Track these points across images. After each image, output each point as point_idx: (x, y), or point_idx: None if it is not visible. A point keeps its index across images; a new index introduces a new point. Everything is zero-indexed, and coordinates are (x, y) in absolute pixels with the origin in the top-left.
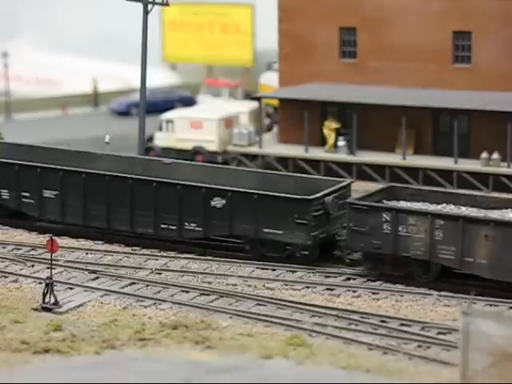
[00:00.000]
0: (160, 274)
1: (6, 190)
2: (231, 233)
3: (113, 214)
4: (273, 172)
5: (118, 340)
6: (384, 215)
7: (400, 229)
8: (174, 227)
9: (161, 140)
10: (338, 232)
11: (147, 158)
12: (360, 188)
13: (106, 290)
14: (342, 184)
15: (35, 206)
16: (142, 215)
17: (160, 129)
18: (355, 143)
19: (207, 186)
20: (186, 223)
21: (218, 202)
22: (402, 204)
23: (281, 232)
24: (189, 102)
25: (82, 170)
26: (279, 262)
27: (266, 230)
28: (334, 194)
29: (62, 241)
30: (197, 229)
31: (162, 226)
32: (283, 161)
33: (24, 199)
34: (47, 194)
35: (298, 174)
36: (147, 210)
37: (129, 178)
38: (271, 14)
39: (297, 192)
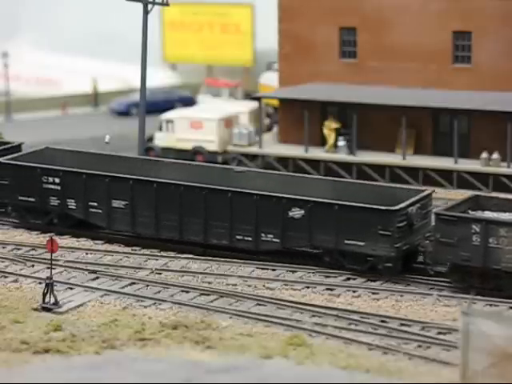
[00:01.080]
0: (160, 273)
1: (72, 200)
2: (310, 244)
3: (185, 224)
4: (348, 180)
5: (117, 340)
6: (473, 226)
7: (490, 240)
8: (250, 238)
9: (161, 140)
10: (421, 243)
11: (218, 166)
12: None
13: (106, 290)
14: (424, 194)
15: (103, 217)
16: (216, 226)
17: (160, 129)
18: (355, 143)
19: (285, 196)
20: (263, 234)
21: (296, 213)
22: (489, 214)
23: (363, 243)
24: (189, 102)
25: (154, 179)
26: (360, 272)
27: (347, 242)
28: (418, 204)
29: (62, 241)
30: (274, 240)
31: (238, 237)
32: (283, 161)
33: (92, 209)
34: (116, 203)
35: (375, 183)
36: (222, 220)
37: (203, 187)
38: (271, 14)
39: (374, 201)
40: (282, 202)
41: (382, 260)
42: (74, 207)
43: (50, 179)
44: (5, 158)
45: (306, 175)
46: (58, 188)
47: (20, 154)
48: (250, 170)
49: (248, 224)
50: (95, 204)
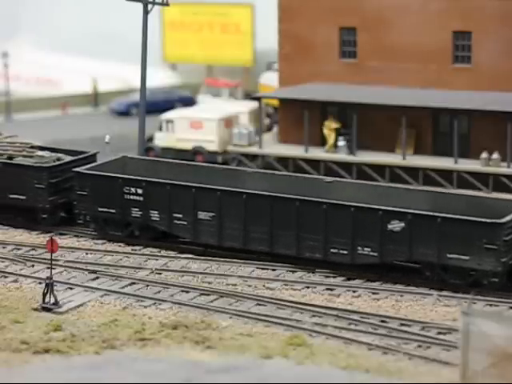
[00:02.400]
0: (160, 273)
1: (155, 211)
2: (410, 258)
3: (276, 237)
4: (445, 191)
5: (118, 340)
6: None
7: None
8: (346, 252)
9: (161, 140)
10: None
11: (309, 176)
12: None
13: (106, 290)
14: None
15: (188, 229)
16: (309, 239)
17: (160, 129)
18: (355, 143)
19: (384, 208)
20: (360, 248)
21: (395, 226)
22: None
23: (467, 258)
24: (189, 102)
25: (243, 190)
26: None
27: (449, 256)
28: None
29: (62, 241)
30: (371, 254)
31: (332, 250)
32: (283, 161)
33: (176, 221)
34: (202, 215)
35: (470, 193)
36: (315, 233)
37: (295, 199)
38: (271, 14)
39: (470, 213)
40: (381, 214)
41: (487, 275)
42: (157, 219)
43: (132, 190)
44: (83, 167)
45: (400, 185)
46: (141, 199)
47: (98, 163)
48: (340, 180)
49: (344, 237)
50: (180, 216)
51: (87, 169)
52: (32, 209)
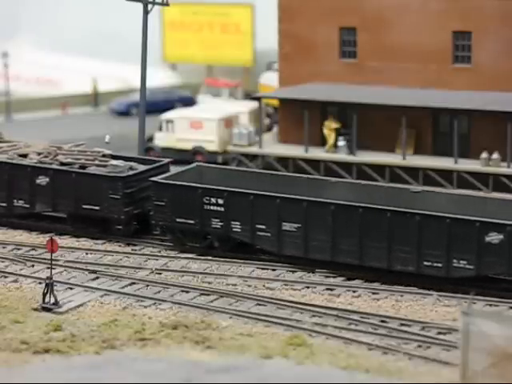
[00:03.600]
0: (160, 274)
1: (237, 222)
2: (509, 271)
3: (366, 249)
4: None
5: (118, 340)
6: None
7: None
8: (440, 265)
9: (161, 140)
10: None
11: (391, 186)
12: None
13: (106, 290)
14: None
15: (272, 240)
16: (401, 251)
17: (160, 129)
18: (355, 143)
19: (482, 219)
20: (455, 260)
21: (494, 238)
22: None
23: None
24: (189, 102)
25: (331, 200)
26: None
27: None
28: None
29: (62, 241)
30: (468, 267)
31: (425, 263)
32: (283, 161)
33: (259, 232)
34: (287, 226)
35: None
36: (408, 245)
37: (386, 210)
38: (271, 14)
39: None
40: (478, 225)
41: None
42: (238, 230)
43: (213, 200)
44: (160, 177)
45: (497, 196)
46: (222, 209)
47: (174, 172)
48: (428, 190)
49: (438, 249)
50: (263, 227)
51: (164, 178)
52: (106, 219)
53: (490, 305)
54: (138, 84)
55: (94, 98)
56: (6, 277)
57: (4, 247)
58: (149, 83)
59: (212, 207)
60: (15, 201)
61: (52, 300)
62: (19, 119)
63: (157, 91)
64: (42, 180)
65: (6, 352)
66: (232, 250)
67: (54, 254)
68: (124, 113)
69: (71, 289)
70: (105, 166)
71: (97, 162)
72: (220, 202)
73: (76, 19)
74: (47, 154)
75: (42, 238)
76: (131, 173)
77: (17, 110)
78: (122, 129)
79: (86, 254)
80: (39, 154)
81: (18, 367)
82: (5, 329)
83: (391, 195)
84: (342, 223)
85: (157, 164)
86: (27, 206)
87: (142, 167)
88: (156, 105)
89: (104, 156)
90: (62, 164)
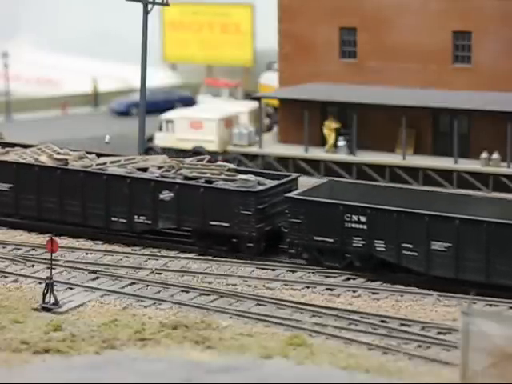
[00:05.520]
0: (160, 273)
1: (381, 241)
2: None
3: None
4: None
5: (118, 340)
6: None
7: None
8: None
9: (161, 140)
10: None
11: None
12: None
13: (106, 290)
14: None
15: (420, 260)
16: None
17: (160, 129)
18: (355, 143)
19: None
20: None
21: None
22: None
23: None
24: (189, 102)
25: (485, 219)
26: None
27: None
28: None
29: (62, 241)
30: None
31: None
32: (283, 161)
33: (405, 251)
34: (436, 246)
35: None
36: None
37: None
38: (271, 14)
39: None
40: None
41: None
42: (382, 249)
43: (354, 217)
44: (295, 193)
45: None
46: (364, 227)
47: (308, 188)
48: None
49: None
50: (410, 246)
51: (300, 194)
52: (235, 236)
53: (490, 305)
54: (138, 84)
55: (94, 98)
56: (6, 277)
57: (4, 247)
58: (149, 83)
59: (353, 225)
60: (136, 217)
61: (52, 300)
62: (19, 119)
63: (157, 91)
64: (166, 195)
65: (5, 352)
66: (374, 269)
67: (54, 254)
68: (124, 113)
69: (71, 289)
70: (233, 181)
71: (224, 177)
72: (362, 219)
73: (76, 19)
74: (169, 167)
75: (42, 238)
76: (263, 187)
77: (17, 109)
78: (122, 129)
79: (86, 254)
80: (160, 167)
81: (17, 367)
82: (5, 329)
83: None
84: (497, 243)
85: (286, 178)
86: (149, 222)
87: (270, 182)
88: (156, 105)
89: (229, 170)
90: (187, 178)
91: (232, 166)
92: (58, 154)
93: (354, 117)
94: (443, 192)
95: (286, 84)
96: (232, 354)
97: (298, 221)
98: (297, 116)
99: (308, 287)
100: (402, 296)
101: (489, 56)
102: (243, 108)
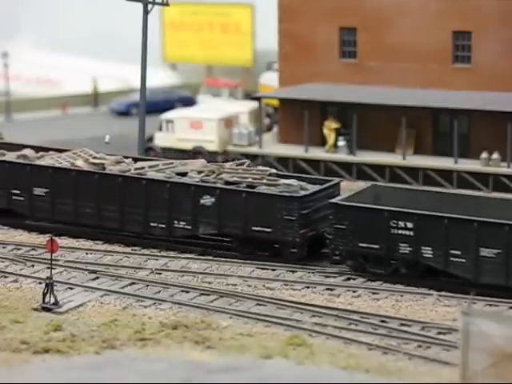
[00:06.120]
0: (160, 273)
1: (428, 248)
2: None
3: None
4: None
5: (118, 340)
6: None
7: None
8: None
9: (161, 140)
10: None
11: None
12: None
13: (106, 290)
14: None
15: (469, 267)
16: None
17: (160, 129)
18: (355, 143)
19: None
20: None
21: None
22: None
23: None
24: (189, 102)
25: None
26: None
27: None
28: None
29: (62, 241)
30: None
31: None
32: (283, 161)
33: (453, 258)
34: (485, 252)
35: None
36: None
37: None
38: (271, 14)
39: None
40: None
41: None
42: (430, 256)
43: (401, 224)
44: (339, 198)
45: None
46: (411, 234)
47: (352, 193)
48: None
49: None
50: (458, 253)
51: (344, 200)
52: (278, 242)
53: (490, 305)
54: (138, 84)
55: (94, 98)
56: (6, 277)
57: (4, 247)
58: (149, 83)
59: (400, 231)
60: (176, 222)
61: (52, 300)
62: (19, 119)
63: (157, 91)
64: (207, 200)
65: (5, 352)
66: (420, 276)
67: (54, 254)
68: (124, 113)
69: (71, 289)
70: (275, 186)
71: (265, 181)
72: (409, 225)
73: (76, 19)
74: (209, 172)
75: (42, 238)
76: (307, 192)
77: (17, 109)
78: (122, 129)
79: (86, 254)
80: (200, 172)
81: (17, 367)
82: (5, 329)
83: None
84: None
85: (329, 183)
86: (189, 227)
87: (312, 186)
88: (156, 105)
89: (271, 174)
90: (228, 183)
91: (273, 170)
92: (95, 158)
93: (354, 117)
94: (491, 197)
95: (286, 84)
96: (232, 353)
97: (343, 227)
98: (297, 116)
99: (308, 287)
100: (401, 296)
101: (489, 56)
102: (243, 108)
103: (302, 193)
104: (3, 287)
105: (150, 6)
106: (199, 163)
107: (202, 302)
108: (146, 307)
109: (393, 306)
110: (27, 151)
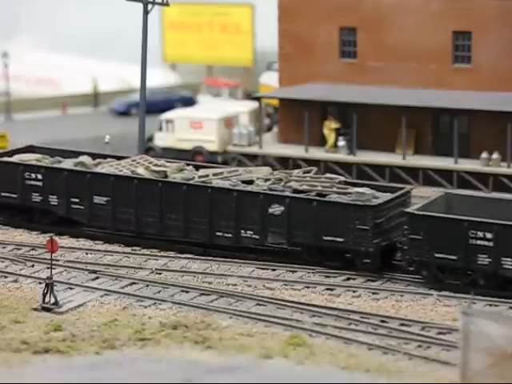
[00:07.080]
0: (160, 274)
1: (509, 259)
2: None
3: None
4: None
5: (118, 340)
6: None
7: None
8: None
9: (161, 140)
10: None
11: None
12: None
13: (106, 290)
14: None
15: None
16: None
17: (160, 129)
18: (355, 143)
19: None
20: None
21: None
22: None
23: None
24: (189, 102)
25: None
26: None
27: None
28: None
29: (62, 241)
30: None
31: None
32: (283, 161)
33: None
34: None
35: None
36: None
37: None
38: (271, 14)
39: None
40: None
41: None
42: (510, 267)
43: (480, 234)
44: (414, 208)
45: None
46: (490, 244)
47: (426, 202)
48: None
49: None
50: None
51: (419, 209)
52: (351, 252)
53: (490, 305)
54: (138, 84)
55: (94, 98)
56: (6, 277)
57: (4, 247)
58: (149, 83)
59: (478, 242)
60: (243, 231)
61: (52, 300)
62: (19, 119)
63: (157, 91)
64: (276, 209)
65: (5, 352)
66: (500, 287)
67: (54, 254)
68: (124, 113)
69: (71, 289)
70: (346, 194)
71: (336, 189)
72: (488, 236)
73: (76, 19)
74: (276, 180)
75: (42, 238)
76: (381, 201)
77: (17, 110)
78: (122, 129)
79: (86, 254)
80: (266, 180)
81: (17, 367)
82: (5, 329)
83: None
84: None
85: (401, 191)
86: (257, 237)
87: (383, 194)
88: (156, 105)
89: (340, 182)
90: (296, 191)
91: (342, 178)
92: (156, 165)
93: (354, 117)
94: None
95: (286, 84)
96: (232, 354)
97: (418, 237)
98: (297, 116)
99: (308, 287)
100: (401, 296)
101: (489, 56)
102: (243, 108)
103: (376, 201)
104: (3, 287)
105: (150, 6)
106: (264, 170)
107: (201, 301)
108: (146, 307)
109: (393, 306)
110: (84, 158)
